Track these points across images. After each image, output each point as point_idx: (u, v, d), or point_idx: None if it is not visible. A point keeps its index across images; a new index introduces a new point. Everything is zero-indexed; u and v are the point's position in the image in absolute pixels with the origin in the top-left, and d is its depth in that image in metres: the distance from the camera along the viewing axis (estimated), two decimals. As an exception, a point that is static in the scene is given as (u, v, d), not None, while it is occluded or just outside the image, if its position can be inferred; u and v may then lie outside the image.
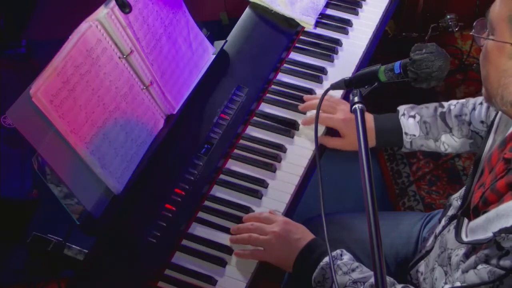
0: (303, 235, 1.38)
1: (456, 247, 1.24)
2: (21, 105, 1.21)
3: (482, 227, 1.14)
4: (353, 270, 1.30)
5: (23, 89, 1.21)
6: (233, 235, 1.41)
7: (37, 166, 1.28)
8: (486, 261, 1.11)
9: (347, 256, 1.35)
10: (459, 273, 1.19)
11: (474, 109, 1.52)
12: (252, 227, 1.40)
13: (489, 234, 1.10)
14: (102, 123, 1.36)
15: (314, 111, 1.57)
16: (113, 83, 1.37)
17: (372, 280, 1.26)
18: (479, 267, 1.12)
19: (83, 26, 1.30)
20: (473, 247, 1.17)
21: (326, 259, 1.32)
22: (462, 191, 1.37)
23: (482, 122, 1.50)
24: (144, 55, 1.44)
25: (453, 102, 1.57)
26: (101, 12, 1.33)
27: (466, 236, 1.20)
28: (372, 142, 1.56)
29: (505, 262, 1.07)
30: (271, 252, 1.37)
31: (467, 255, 1.18)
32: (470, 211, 1.24)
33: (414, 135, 1.55)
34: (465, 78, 2.74)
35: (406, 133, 1.55)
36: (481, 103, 1.51)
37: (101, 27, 1.33)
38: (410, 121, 1.55)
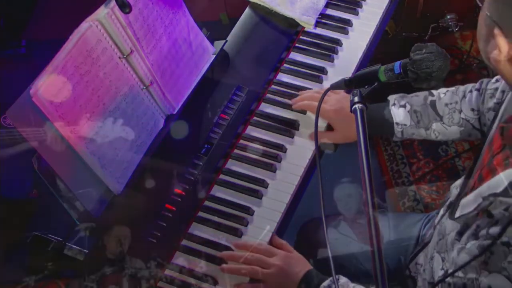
0: (304, 267, 1.36)
1: (452, 228, 1.24)
2: (21, 105, 1.21)
3: (473, 201, 1.14)
4: None
5: (23, 89, 1.21)
6: (230, 265, 1.37)
7: (37, 166, 1.28)
8: (476, 234, 1.11)
9: (344, 279, 1.34)
10: (454, 252, 1.18)
11: (464, 96, 1.51)
12: (253, 259, 1.37)
13: (478, 202, 1.10)
14: (102, 123, 1.36)
15: (307, 102, 1.59)
16: (113, 83, 1.37)
17: None
18: (468, 245, 1.12)
19: (83, 26, 1.30)
20: (466, 223, 1.17)
21: (326, 282, 1.31)
22: (462, 179, 1.36)
23: (472, 109, 1.49)
24: (144, 55, 1.44)
25: (443, 90, 1.56)
26: (101, 12, 1.33)
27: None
28: None
29: (493, 230, 1.07)
30: (272, 286, 1.35)
31: (461, 233, 1.18)
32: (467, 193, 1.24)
33: (405, 125, 1.54)
34: (465, 78, 2.73)
35: (397, 123, 1.54)
36: (471, 91, 1.51)
37: (101, 27, 1.33)
38: (401, 111, 1.54)
